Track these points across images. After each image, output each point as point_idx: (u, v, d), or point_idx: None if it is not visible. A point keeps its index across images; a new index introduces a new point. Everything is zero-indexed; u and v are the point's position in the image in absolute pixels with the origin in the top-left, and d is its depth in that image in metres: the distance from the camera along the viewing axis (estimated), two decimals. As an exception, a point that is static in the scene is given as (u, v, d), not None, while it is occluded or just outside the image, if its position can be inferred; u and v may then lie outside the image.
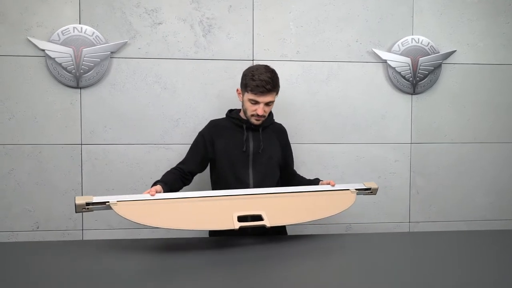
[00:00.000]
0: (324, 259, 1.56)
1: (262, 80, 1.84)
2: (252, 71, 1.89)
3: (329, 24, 2.46)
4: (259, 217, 1.64)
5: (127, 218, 1.57)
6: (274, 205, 1.71)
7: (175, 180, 1.93)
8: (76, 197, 1.60)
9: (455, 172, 2.59)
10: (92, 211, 1.63)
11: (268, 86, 1.85)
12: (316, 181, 1.98)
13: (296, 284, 1.31)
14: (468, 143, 2.59)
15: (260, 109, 1.89)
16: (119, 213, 1.58)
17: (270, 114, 2.08)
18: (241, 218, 1.62)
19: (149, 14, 2.33)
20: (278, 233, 2.00)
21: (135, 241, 1.76)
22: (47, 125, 2.30)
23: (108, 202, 1.60)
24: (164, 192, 1.76)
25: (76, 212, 1.62)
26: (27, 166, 2.30)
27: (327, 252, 1.64)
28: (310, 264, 1.49)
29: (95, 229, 2.36)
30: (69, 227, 2.35)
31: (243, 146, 1.96)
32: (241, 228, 1.58)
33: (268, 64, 2.38)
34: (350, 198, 1.83)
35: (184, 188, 1.98)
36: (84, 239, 2.35)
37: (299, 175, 2.14)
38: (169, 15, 2.35)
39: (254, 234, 1.84)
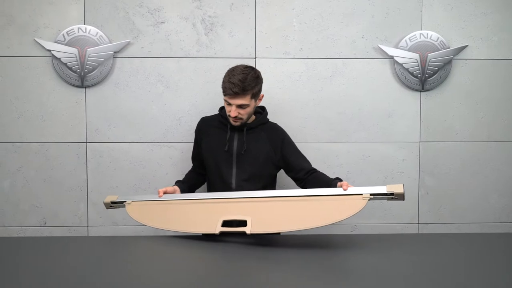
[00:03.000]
0: (326, 261, 1.49)
1: (231, 83, 1.83)
2: (229, 71, 1.89)
3: (334, 20, 2.41)
4: (244, 223, 1.61)
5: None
6: (264, 211, 1.65)
7: (195, 178, 2.11)
8: (108, 196, 1.92)
9: (468, 172, 2.49)
10: (118, 207, 1.91)
11: (235, 89, 1.81)
12: (334, 183, 1.83)
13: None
14: (481, 141, 2.48)
15: (233, 111, 1.87)
16: (128, 212, 1.83)
17: (263, 113, 2.06)
18: (227, 223, 1.62)
19: (151, 14, 2.35)
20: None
21: (137, 238, 1.81)
22: (54, 123, 2.36)
23: (126, 201, 1.86)
24: (181, 190, 1.94)
25: (107, 209, 1.92)
26: (35, 163, 2.36)
27: (329, 254, 1.57)
28: (310, 266, 1.42)
29: (100, 225, 2.40)
30: (75, 223, 2.40)
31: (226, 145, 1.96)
32: (221, 233, 1.59)
33: (271, 62, 2.39)
34: (355, 206, 1.56)
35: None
36: (89, 235, 2.40)
37: (319, 173, 1.99)
38: (171, 14, 2.36)
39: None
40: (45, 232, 2.39)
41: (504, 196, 2.50)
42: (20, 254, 1.55)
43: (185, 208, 1.75)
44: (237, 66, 1.93)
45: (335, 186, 1.77)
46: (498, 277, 1.31)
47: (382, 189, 1.57)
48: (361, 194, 1.59)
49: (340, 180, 1.81)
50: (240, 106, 1.87)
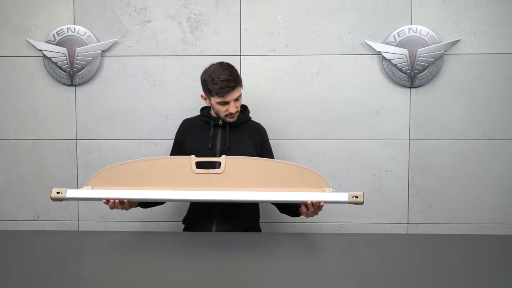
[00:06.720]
0: (311, 260, 1.48)
1: (223, 81, 1.85)
2: (210, 74, 1.90)
3: (320, 16, 2.37)
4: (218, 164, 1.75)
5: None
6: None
7: None
8: (53, 188, 1.71)
9: (461, 171, 2.40)
10: (66, 199, 1.71)
11: (231, 84, 1.86)
12: None
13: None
14: (475, 139, 2.39)
15: (232, 107, 1.91)
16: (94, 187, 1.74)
17: (246, 112, 2.08)
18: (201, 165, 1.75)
19: (138, 13, 2.39)
20: (250, 229, 1.98)
21: (125, 233, 1.91)
22: (46, 121, 2.44)
23: (83, 186, 1.75)
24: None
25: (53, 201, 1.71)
26: (28, 159, 2.45)
27: (315, 253, 1.57)
28: (294, 266, 1.41)
29: (90, 220, 2.47)
30: (66, 218, 2.47)
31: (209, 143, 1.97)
32: (197, 165, 1.70)
33: (256, 59, 2.39)
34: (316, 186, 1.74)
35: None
36: (79, 229, 2.47)
37: None
38: (157, 13, 2.39)
39: (226, 230, 1.87)
40: (38, 226, 2.47)
41: (499, 196, 2.40)
42: (14, 247, 1.63)
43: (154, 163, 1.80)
44: (212, 68, 1.94)
45: None
46: (492, 281, 1.26)
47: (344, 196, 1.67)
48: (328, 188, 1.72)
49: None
50: (236, 99, 1.93)
